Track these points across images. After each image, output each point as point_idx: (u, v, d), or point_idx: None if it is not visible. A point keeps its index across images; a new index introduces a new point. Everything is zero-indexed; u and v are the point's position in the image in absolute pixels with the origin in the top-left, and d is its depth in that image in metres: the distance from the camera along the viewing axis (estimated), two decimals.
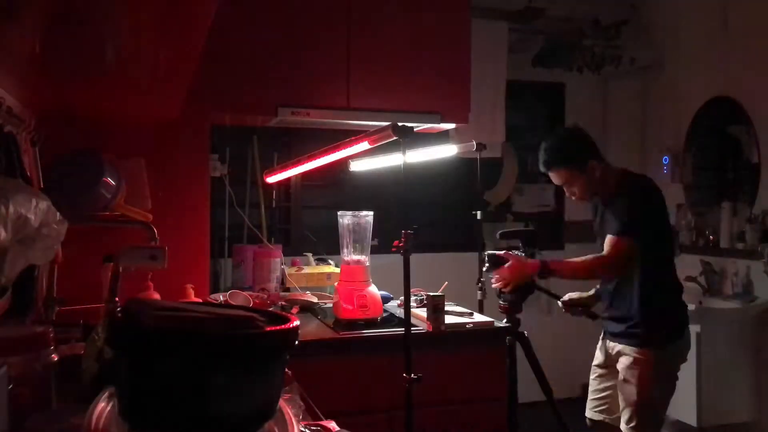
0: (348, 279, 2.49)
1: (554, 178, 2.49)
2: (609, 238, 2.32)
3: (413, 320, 2.17)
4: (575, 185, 2.46)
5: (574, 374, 4.58)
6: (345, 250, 2.53)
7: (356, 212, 2.50)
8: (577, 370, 4.69)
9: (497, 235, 2.69)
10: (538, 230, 3.03)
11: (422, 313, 2.44)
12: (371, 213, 2.41)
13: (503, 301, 2.41)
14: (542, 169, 2.50)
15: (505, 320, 2.40)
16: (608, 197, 2.42)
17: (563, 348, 4.17)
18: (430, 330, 2.35)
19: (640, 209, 2.34)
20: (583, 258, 2.38)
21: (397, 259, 1.88)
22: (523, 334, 2.37)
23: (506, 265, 2.39)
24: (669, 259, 2.49)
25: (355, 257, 2.49)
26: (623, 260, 2.30)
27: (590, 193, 2.49)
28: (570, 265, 2.38)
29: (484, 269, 2.49)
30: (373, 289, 2.48)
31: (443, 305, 2.37)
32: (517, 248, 2.47)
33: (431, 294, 2.40)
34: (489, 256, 2.45)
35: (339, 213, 2.56)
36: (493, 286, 2.46)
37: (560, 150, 2.46)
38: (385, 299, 2.65)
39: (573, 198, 2.54)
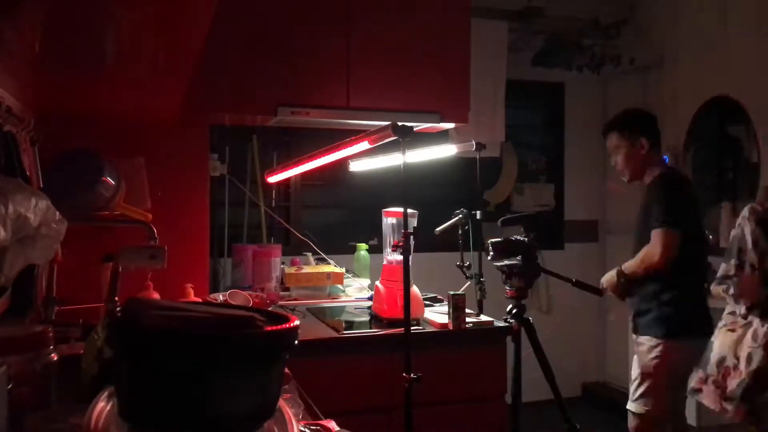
0: (390, 278, 2.48)
1: (608, 143, 2.73)
2: (652, 232, 2.50)
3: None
4: (619, 155, 2.67)
5: (574, 374, 4.59)
6: (387, 250, 2.54)
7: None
8: (578, 369, 4.71)
9: (499, 223, 2.71)
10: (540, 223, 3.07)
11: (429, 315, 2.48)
12: (416, 212, 2.39)
13: (510, 287, 2.41)
14: (603, 133, 2.76)
15: (510, 306, 2.40)
16: (648, 188, 2.63)
17: (563, 348, 4.17)
18: (451, 328, 2.35)
19: (680, 202, 2.54)
20: (640, 256, 2.58)
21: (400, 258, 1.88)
22: (529, 320, 2.38)
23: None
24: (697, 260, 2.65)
25: (398, 257, 2.47)
26: (668, 250, 2.47)
27: (631, 170, 2.67)
28: (636, 267, 2.59)
29: (489, 258, 2.50)
30: (415, 289, 2.49)
31: (464, 304, 2.39)
32: (519, 234, 2.48)
33: (452, 293, 2.40)
34: (492, 244, 2.47)
35: (383, 211, 2.56)
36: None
37: (619, 116, 2.73)
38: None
39: (617, 169, 2.74)
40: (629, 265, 2.64)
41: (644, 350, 2.62)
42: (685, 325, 2.58)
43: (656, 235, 2.49)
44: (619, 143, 2.68)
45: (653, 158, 2.67)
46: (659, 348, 2.57)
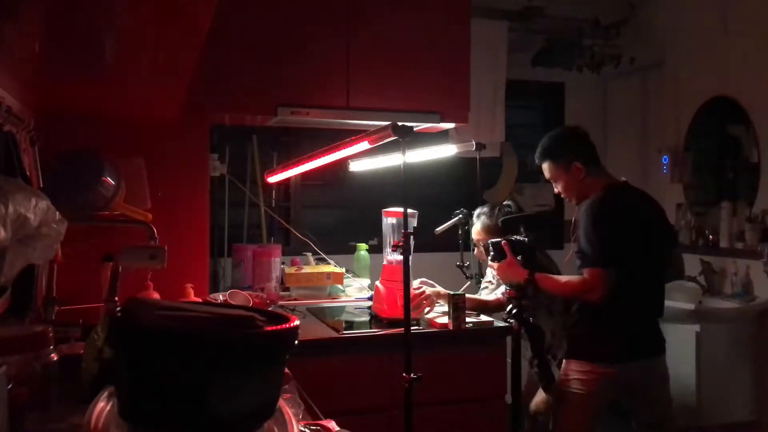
0: (390, 278, 2.48)
1: (544, 171, 2.52)
2: (586, 270, 2.28)
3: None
4: (559, 183, 2.48)
5: None
6: (387, 250, 2.54)
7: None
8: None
9: (499, 223, 2.71)
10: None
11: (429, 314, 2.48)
12: (416, 212, 2.35)
13: (510, 287, 2.41)
14: (535, 161, 2.54)
15: (510, 306, 2.39)
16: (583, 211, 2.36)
17: None
18: (452, 329, 2.36)
19: (610, 237, 2.26)
20: (567, 279, 2.38)
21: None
22: (529, 320, 2.38)
23: (501, 262, 2.42)
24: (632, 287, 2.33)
25: (398, 257, 2.45)
26: (605, 291, 2.24)
27: (573, 195, 2.47)
28: (555, 284, 2.39)
29: (489, 258, 2.50)
30: (417, 284, 2.48)
31: (464, 304, 2.39)
32: (519, 234, 2.49)
33: (452, 293, 2.40)
34: (493, 244, 2.47)
35: (383, 211, 2.56)
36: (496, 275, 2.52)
37: (548, 145, 2.49)
38: None
39: (561, 195, 2.54)
40: (548, 281, 2.40)
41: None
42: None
43: (592, 275, 2.26)
44: (554, 173, 2.46)
45: (593, 176, 2.41)
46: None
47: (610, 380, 2.30)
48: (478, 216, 2.84)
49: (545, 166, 2.49)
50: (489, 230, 2.76)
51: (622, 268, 2.25)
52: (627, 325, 2.33)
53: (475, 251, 2.86)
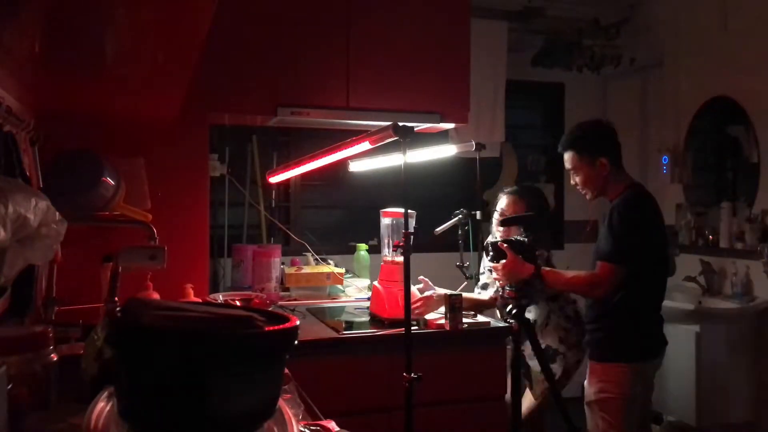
0: (389, 278, 2.47)
1: (565, 160, 2.51)
2: (599, 263, 2.33)
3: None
4: (579, 174, 2.47)
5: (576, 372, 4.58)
6: (386, 250, 2.55)
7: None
8: (580, 368, 4.70)
9: (499, 223, 2.70)
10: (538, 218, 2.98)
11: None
12: (414, 212, 2.32)
13: (510, 288, 2.41)
14: (559, 149, 2.54)
15: (510, 306, 2.39)
16: (610, 209, 2.40)
17: None
18: (448, 329, 2.35)
19: (635, 235, 2.30)
20: (574, 274, 2.42)
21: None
22: (529, 321, 2.38)
23: (503, 261, 2.41)
24: (654, 285, 2.42)
25: (396, 257, 2.46)
26: (611, 286, 2.29)
27: (592, 190, 2.47)
28: (561, 279, 2.43)
29: (488, 258, 2.50)
30: (414, 289, 2.49)
31: (461, 304, 2.39)
32: (519, 234, 2.49)
33: (449, 293, 2.40)
34: (492, 245, 2.47)
35: (381, 212, 2.56)
36: (493, 278, 2.52)
37: (575, 134, 2.50)
38: None
39: (577, 188, 2.53)
40: (555, 276, 2.44)
41: None
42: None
43: (603, 269, 2.30)
44: (577, 164, 2.44)
45: (615, 174, 2.42)
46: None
47: (643, 378, 2.35)
48: (510, 193, 2.83)
49: (568, 155, 2.48)
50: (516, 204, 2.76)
51: (645, 266, 2.30)
52: (651, 322, 2.39)
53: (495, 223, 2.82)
